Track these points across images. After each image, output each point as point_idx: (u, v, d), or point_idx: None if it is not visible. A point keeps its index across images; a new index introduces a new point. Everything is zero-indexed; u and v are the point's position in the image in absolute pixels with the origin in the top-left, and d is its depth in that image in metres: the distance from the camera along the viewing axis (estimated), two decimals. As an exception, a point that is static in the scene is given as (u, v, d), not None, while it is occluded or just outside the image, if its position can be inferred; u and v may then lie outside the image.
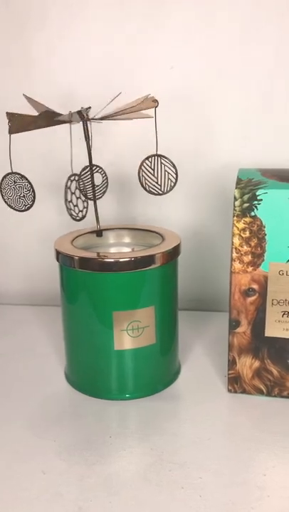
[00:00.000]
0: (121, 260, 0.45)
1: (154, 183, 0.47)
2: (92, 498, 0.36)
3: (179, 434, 0.43)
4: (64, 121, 0.46)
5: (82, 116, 0.43)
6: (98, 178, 0.51)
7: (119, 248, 0.52)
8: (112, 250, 0.52)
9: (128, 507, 0.35)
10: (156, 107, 0.46)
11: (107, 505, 0.36)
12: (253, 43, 0.58)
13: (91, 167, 0.48)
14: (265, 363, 0.46)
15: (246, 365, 0.47)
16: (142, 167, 0.47)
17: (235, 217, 0.43)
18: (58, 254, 0.47)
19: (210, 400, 0.48)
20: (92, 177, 0.48)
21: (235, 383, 0.48)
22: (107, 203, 0.65)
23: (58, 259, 0.47)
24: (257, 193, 0.42)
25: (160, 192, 0.47)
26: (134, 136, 0.60)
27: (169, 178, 0.47)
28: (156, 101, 0.45)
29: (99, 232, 0.52)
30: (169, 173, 0.47)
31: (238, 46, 0.59)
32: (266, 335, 0.46)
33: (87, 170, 0.48)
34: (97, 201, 0.50)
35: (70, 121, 0.46)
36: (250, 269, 0.44)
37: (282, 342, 0.45)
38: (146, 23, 0.59)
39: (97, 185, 0.49)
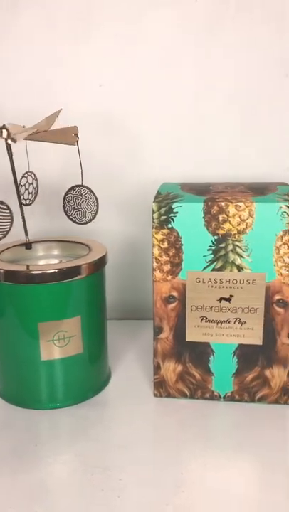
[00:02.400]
0: (47, 272, 0.46)
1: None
2: (14, 506, 0.37)
3: (104, 439, 0.44)
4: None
5: (2, 133, 0.44)
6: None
7: (48, 260, 0.54)
8: (41, 262, 0.53)
9: (48, 512, 0.37)
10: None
11: (28, 512, 0.36)
12: (179, 62, 0.61)
13: (16, 182, 0.49)
14: (188, 366, 0.49)
15: (170, 369, 0.49)
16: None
17: (154, 229, 0.46)
18: (-17, 268, 0.47)
19: (137, 405, 0.49)
20: (18, 192, 0.50)
21: (161, 387, 0.50)
22: (39, 215, 0.66)
23: (-17, 273, 0.48)
24: (173, 206, 0.45)
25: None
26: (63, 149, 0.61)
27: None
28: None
29: (28, 245, 0.53)
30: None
31: (166, 64, 0.62)
32: (187, 340, 0.48)
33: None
34: (29, 213, 0.52)
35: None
36: (169, 277, 0.47)
37: (202, 346, 0.48)
38: (75, 41, 0.61)
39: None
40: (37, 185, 0.52)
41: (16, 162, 0.50)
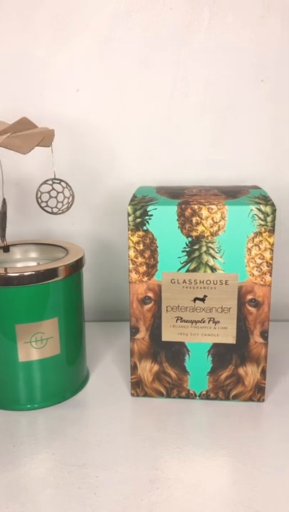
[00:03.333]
0: (24, 274, 0.46)
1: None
2: (-9, 505, 0.38)
3: (81, 438, 0.45)
4: None
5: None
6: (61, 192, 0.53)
7: (25, 263, 0.54)
8: (19, 265, 0.54)
9: (24, 510, 0.37)
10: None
11: (4, 510, 0.37)
12: (155, 66, 0.63)
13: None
14: (164, 366, 0.50)
15: (146, 369, 0.50)
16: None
17: (129, 232, 0.47)
18: None
19: (114, 404, 0.50)
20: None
21: (138, 387, 0.51)
22: (19, 219, 0.66)
23: None
24: (148, 209, 0.46)
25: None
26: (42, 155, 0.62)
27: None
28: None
29: (6, 248, 0.54)
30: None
31: (142, 69, 0.63)
32: (163, 339, 0.49)
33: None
34: (8, 217, 0.52)
35: None
36: (145, 278, 0.48)
37: (178, 345, 0.49)
38: (53, 46, 0.62)
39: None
40: (70, 195, 0.51)
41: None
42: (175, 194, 0.49)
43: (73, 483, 0.39)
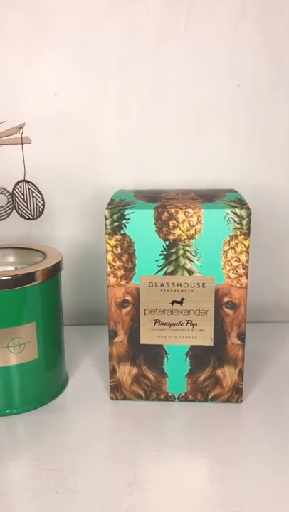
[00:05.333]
0: (1, 279, 0.46)
1: (24, 209, 0.50)
2: None
3: (59, 443, 0.45)
4: None
5: None
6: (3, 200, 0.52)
7: (3, 267, 0.54)
8: (-3, 269, 0.53)
9: (2, 516, 0.37)
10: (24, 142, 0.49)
11: (-19, 517, 0.37)
12: (131, 72, 0.63)
13: None
14: (142, 369, 0.50)
15: (125, 372, 0.50)
16: (14, 193, 0.50)
17: (107, 235, 0.47)
18: None
19: (93, 408, 0.50)
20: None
21: (117, 391, 0.51)
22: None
23: None
24: (125, 213, 0.46)
25: (30, 217, 0.50)
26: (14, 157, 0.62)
27: (37, 204, 0.50)
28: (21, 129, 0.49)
29: (-17, 253, 0.53)
30: (36, 199, 0.50)
31: (119, 73, 0.63)
32: (141, 342, 0.49)
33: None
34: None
35: None
36: (123, 282, 0.48)
37: (156, 348, 0.49)
38: (30, 50, 0.62)
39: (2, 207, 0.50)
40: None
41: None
42: (152, 198, 0.50)
43: (51, 488, 0.39)
